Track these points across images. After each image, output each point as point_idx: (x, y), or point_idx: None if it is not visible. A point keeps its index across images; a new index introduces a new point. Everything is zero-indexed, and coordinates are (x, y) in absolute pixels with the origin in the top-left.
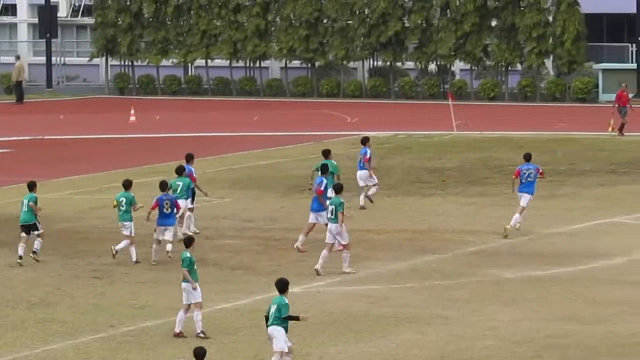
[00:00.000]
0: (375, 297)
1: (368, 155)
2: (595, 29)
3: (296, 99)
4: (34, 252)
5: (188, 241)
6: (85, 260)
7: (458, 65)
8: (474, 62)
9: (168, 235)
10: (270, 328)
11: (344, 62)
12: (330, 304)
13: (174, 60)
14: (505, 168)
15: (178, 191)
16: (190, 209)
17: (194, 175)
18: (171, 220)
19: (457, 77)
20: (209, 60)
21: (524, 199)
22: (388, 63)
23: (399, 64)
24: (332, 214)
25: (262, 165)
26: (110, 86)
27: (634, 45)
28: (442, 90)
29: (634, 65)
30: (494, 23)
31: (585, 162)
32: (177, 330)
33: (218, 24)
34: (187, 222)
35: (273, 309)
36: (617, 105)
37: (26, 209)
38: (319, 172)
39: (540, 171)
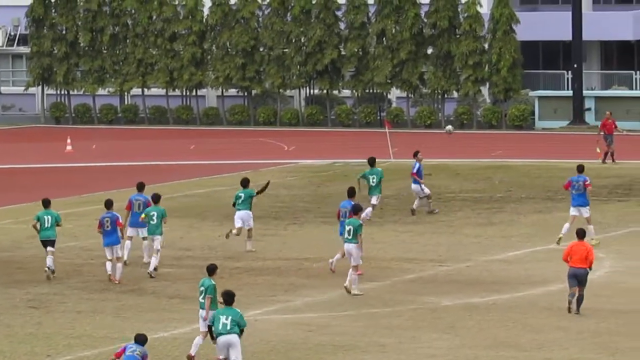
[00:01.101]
0: (313, 325)
1: (414, 170)
2: (531, 56)
3: (233, 127)
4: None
5: (212, 268)
6: (22, 290)
7: (394, 93)
8: (411, 89)
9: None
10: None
11: (281, 90)
12: (269, 332)
13: (110, 89)
14: (443, 195)
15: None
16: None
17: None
18: (114, 239)
19: (394, 105)
20: (145, 89)
21: (582, 210)
22: (324, 91)
23: (335, 92)
24: (349, 235)
25: (199, 193)
26: (46, 115)
27: (569, 72)
28: (378, 118)
29: (570, 93)
30: (430, 51)
31: (522, 189)
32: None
33: (154, 52)
34: (126, 250)
35: (226, 320)
36: (602, 132)
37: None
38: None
39: (588, 182)
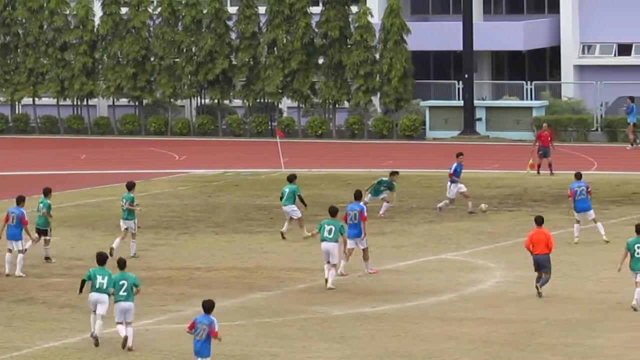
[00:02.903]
0: None
1: (451, 170)
2: (422, 67)
3: (124, 137)
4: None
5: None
6: None
7: (285, 103)
8: (302, 99)
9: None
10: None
11: (172, 100)
12: (159, 342)
13: (1, 98)
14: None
15: None
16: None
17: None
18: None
19: (285, 114)
20: (36, 99)
21: (587, 215)
22: (216, 101)
23: (226, 101)
24: (330, 234)
25: (89, 203)
26: None
27: (460, 82)
28: (270, 127)
29: (461, 103)
30: (321, 61)
31: (413, 199)
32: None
33: (45, 62)
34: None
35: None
36: (537, 144)
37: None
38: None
39: (589, 189)
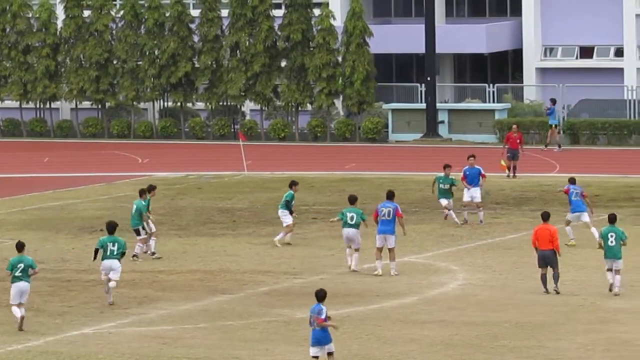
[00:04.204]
0: (167, 337)
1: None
2: (385, 69)
3: (87, 140)
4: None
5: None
6: None
7: (248, 106)
8: (264, 102)
9: None
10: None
11: (134, 103)
12: (122, 344)
13: None
14: (297, 208)
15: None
16: None
17: None
18: None
19: (248, 117)
20: None
21: (582, 216)
22: (178, 104)
23: (189, 104)
24: (352, 220)
25: (53, 206)
26: None
27: (422, 85)
28: (232, 130)
29: (423, 105)
30: (283, 63)
31: (376, 202)
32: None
33: (8, 65)
34: None
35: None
36: (506, 146)
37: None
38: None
39: (585, 193)
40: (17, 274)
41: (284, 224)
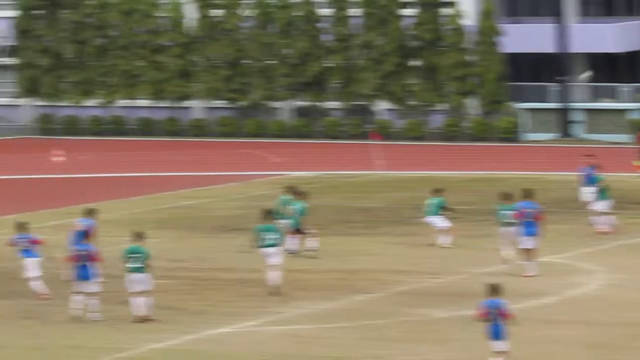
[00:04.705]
0: (307, 337)
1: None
2: (518, 69)
3: (220, 139)
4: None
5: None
6: (15, 301)
7: (381, 105)
8: (398, 101)
9: None
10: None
11: (267, 102)
12: (263, 344)
13: (97, 100)
14: None
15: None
16: None
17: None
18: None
19: (381, 117)
20: (132, 101)
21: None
22: (311, 103)
23: (321, 103)
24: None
25: (188, 205)
26: (33, 127)
27: (555, 84)
28: (365, 130)
29: (556, 105)
30: (412, 63)
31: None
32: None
33: (139, 64)
34: None
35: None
36: (639, 146)
37: None
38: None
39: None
40: (132, 264)
41: (441, 228)
